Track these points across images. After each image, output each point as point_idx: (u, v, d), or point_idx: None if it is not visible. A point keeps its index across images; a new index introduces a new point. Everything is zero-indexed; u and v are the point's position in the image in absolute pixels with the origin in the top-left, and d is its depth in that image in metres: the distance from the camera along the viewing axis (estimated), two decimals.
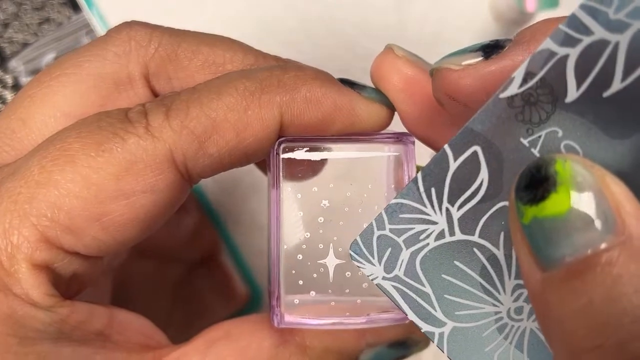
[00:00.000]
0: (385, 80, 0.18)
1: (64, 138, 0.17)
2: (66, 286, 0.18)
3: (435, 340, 0.17)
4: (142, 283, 0.26)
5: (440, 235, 0.16)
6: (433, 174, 0.16)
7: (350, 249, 0.17)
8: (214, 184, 0.30)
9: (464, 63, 0.16)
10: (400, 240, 0.17)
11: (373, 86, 0.19)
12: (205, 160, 0.17)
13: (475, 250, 0.16)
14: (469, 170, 0.16)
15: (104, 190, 0.16)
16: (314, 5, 0.29)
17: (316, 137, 0.18)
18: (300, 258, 0.18)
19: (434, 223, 0.16)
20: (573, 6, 0.14)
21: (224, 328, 0.20)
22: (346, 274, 0.18)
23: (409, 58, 0.18)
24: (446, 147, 0.16)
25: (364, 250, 0.17)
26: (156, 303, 0.27)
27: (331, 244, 0.18)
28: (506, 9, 0.31)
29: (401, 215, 0.16)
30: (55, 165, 0.17)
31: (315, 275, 0.18)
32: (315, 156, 0.18)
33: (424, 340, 0.21)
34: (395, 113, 0.19)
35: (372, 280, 0.17)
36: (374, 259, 0.17)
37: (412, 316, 0.17)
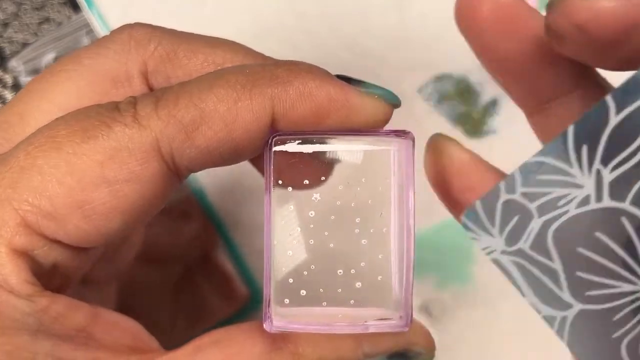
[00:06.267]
0: (473, 9, 0.16)
1: (53, 126, 0.17)
2: (48, 277, 0.17)
3: (555, 327, 0.15)
4: (145, 288, 0.26)
5: (585, 201, 0.14)
6: (587, 128, 0.13)
7: (464, 215, 0.15)
8: (214, 184, 0.30)
9: None
10: (533, 206, 0.14)
11: (371, 82, 0.18)
12: (192, 151, 0.17)
13: (624, 219, 0.14)
14: (633, 125, 0.13)
15: (86, 177, 0.16)
16: (313, 4, 0.29)
17: (311, 132, 0.17)
18: (292, 258, 0.17)
19: (579, 187, 0.14)
20: None
21: (215, 335, 0.19)
22: (338, 272, 0.17)
23: None
24: (608, 97, 0.13)
25: (483, 217, 0.14)
26: (159, 307, 0.26)
27: (323, 241, 0.17)
28: None
29: (539, 177, 0.14)
30: (41, 151, 0.16)
31: (306, 275, 0.17)
32: (308, 149, 0.17)
33: (427, 351, 0.20)
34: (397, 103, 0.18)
35: (487, 254, 0.15)
36: (493, 228, 0.15)
37: (530, 298, 0.15)
